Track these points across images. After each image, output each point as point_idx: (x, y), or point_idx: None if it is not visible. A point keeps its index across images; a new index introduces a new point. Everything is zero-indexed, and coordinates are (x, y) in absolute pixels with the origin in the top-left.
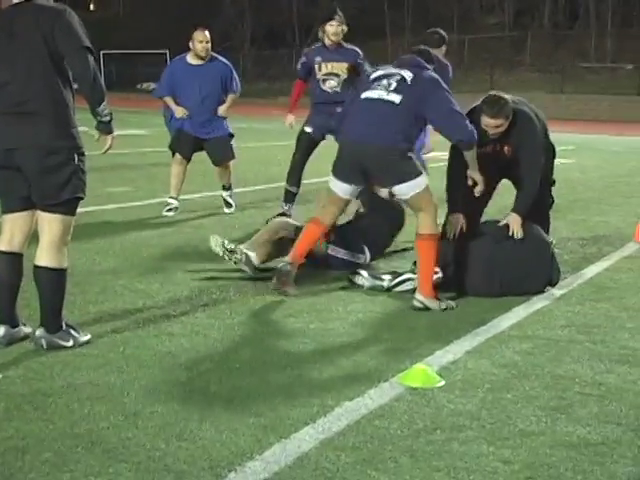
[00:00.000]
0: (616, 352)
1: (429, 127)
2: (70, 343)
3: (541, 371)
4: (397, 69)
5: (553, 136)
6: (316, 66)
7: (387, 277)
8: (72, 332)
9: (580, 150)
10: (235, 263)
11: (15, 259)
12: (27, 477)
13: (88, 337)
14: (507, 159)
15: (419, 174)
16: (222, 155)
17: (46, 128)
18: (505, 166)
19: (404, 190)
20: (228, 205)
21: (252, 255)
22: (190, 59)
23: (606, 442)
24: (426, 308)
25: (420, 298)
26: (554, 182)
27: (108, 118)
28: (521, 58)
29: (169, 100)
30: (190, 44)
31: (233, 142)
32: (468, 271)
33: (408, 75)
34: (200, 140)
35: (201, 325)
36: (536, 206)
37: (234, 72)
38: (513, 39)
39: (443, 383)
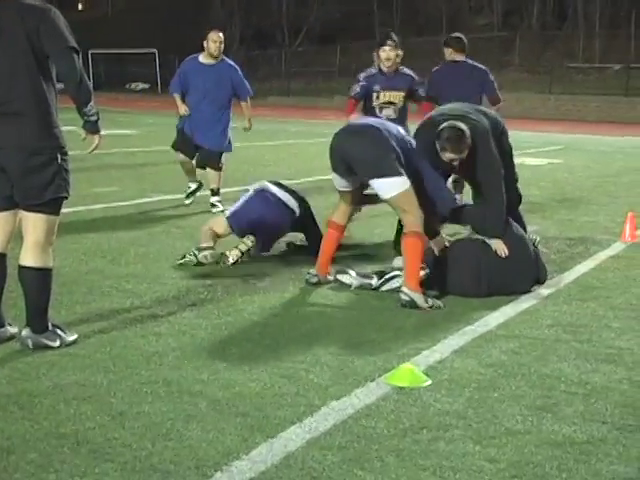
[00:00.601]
0: (602, 351)
1: None
2: (57, 343)
3: (527, 370)
4: None
5: (541, 136)
6: (374, 94)
7: (375, 276)
8: (59, 332)
9: (568, 150)
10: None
11: None
12: (12, 477)
13: (75, 337)
14: (463, 173)
15: (400, 174)
16: (207, 162)
17: (29, 128)
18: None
19: (384, 187)
20: (215, 207)
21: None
22: (202, 58)
23: (591, 441)
24: (413, 302)
25: (407, 291)
26: (517, 179)
27: (95, 118)
28: (510, 58)
29: (177, 97)
30: (204, 44)
31: (224, 156)
32: (456, 273)
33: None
34: (195, 143)
35: (188, 325)
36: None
37: (241, 74)
38: (502, 39)
39: (430, 382)
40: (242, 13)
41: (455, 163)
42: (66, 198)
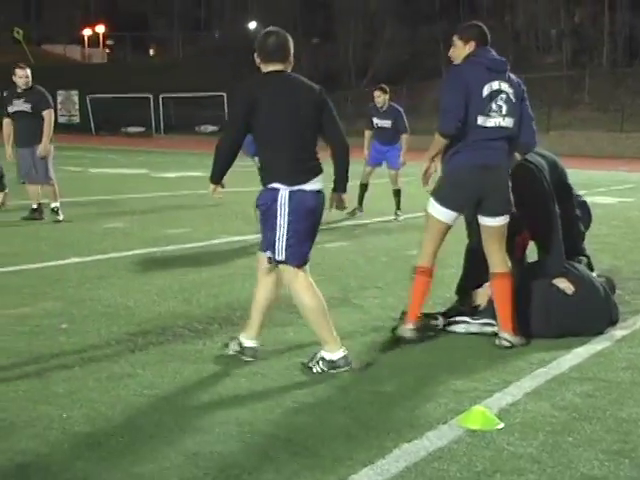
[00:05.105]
0: None
1: None
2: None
3: (603, 414)
4: (496, 82)
5: (612, 175)
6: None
7: (440, 317)
8: None
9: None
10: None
11: None
12: None
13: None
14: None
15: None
16: None
17: None
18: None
19: (499, 219)
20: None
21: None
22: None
23: None
24: (513, 346)
25: (508, 337)
26: (579, 216)
27: None
28: (579, 97)
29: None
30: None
31: None
32: (524, 313)
33: (509, 90)
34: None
35: (259, 365)
36: (569, 243)
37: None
38: (571, 78)
39: (502, 425)
40: (309, 56)
41: None
42: None
